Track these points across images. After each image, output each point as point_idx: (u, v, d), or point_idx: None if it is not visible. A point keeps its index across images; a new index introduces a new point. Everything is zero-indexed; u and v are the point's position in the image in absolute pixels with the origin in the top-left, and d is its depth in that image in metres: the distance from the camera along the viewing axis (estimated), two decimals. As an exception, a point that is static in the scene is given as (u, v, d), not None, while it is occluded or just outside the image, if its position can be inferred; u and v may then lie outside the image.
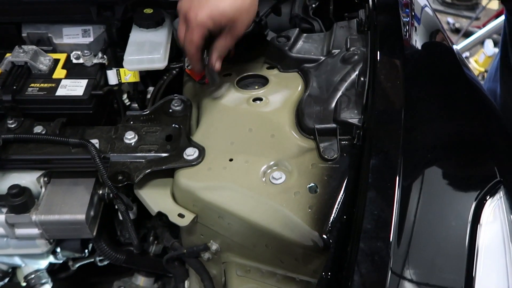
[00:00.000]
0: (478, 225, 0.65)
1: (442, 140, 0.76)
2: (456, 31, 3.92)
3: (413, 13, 1.25)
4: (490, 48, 2.77)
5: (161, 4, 1.00)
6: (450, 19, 3.99)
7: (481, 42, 3.00)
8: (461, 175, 0.73)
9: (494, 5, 4.15)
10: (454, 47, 1.11)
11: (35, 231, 0.88)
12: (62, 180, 0.91)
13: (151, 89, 1.15)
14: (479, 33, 2.95)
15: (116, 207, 0.89)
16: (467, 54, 3.55)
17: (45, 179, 0.90)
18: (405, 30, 1.06)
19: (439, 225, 0.65)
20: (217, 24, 0.77)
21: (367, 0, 1.02)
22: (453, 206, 0.68)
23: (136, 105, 1.14)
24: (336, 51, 0.95)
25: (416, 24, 1.23)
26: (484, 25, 3.73)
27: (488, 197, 0.68)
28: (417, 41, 1.07)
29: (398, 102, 0.76)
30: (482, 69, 2.85)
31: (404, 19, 1.13)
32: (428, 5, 1.33)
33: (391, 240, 0.59)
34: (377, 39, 0.88)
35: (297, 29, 1.01)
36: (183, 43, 0.83)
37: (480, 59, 2.87)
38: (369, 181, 0.65)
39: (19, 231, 0.88)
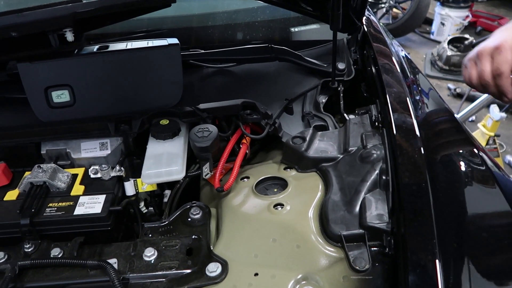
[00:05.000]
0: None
1: (478, 245, 0.72)
2: (458, 96, 4.00)
3: (419, 88, 1.27)
4: (496, 113, 2.79)
5: (176, 115, 1.02)
6: (451, 85, 4.09)
7: (486, 106, 3.02)
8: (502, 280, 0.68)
9: (492, 69, 4.27)
10: (457, 117, 1.11)
11: None
12: (78, 301, 0.86)
13: (167, 192, 1.14)
14: (482, 97, 2.98)
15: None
16: (473, 118, 3.58)
17: (62, 303, 0.85)
18: (419, 108, 1.06)
19: None
20: None
21: (378, 95, 1.04)
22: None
23: (152, 208, 1.13)
24: (353, 148, 0.95)
25: (425, 100, 1.24)
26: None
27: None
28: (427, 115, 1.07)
29: (427, 206, 0.73)
30: (492, 134, 2.84)
31: (417, 97, 1.14)
32: (430, 85, 1.36)
33: None
34: (394, 136, 0.87)
35: (311, 128, 1.02)
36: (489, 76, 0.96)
37: (488, 124, 2.87)
38: (410, 302, 0.60)
39: None
